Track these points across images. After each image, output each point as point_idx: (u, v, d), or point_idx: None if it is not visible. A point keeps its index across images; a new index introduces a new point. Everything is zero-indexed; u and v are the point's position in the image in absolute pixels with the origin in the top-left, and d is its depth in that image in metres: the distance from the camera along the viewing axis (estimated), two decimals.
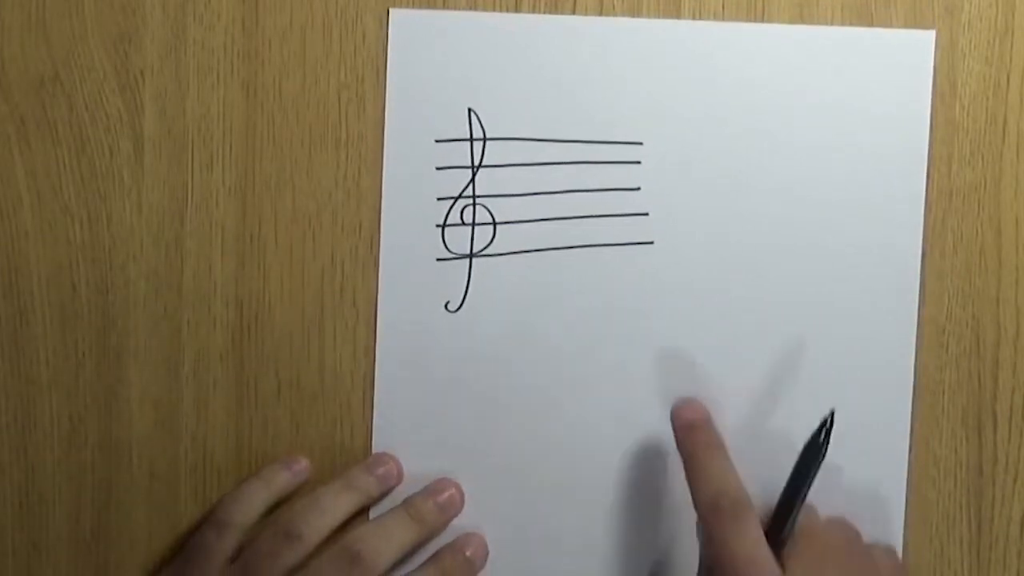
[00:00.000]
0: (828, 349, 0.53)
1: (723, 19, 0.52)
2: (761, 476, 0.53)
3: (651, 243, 0.53)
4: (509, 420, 0.53)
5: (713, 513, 0.47)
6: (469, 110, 0.52)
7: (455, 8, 0.52)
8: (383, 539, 0.51)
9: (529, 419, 0.53)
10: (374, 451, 0.53)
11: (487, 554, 0.53)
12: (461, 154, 0.52)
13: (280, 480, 0.53)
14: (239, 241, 0.53)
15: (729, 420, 0.53)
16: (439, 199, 0.53)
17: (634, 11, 0.52)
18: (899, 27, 0.52)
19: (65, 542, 0.54)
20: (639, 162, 0.53)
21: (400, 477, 0.53)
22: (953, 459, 0.53)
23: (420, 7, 0.52)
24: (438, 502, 0.52)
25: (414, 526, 0.52)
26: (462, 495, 0.53)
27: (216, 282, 0.53)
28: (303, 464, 0.53)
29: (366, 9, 0.53)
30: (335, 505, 0.52)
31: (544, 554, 0.53)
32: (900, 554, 0.53)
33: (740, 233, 0.52)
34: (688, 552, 0.53)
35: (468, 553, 0.52)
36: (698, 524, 0.49)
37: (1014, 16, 0.52)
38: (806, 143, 0.52)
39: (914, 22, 0.52)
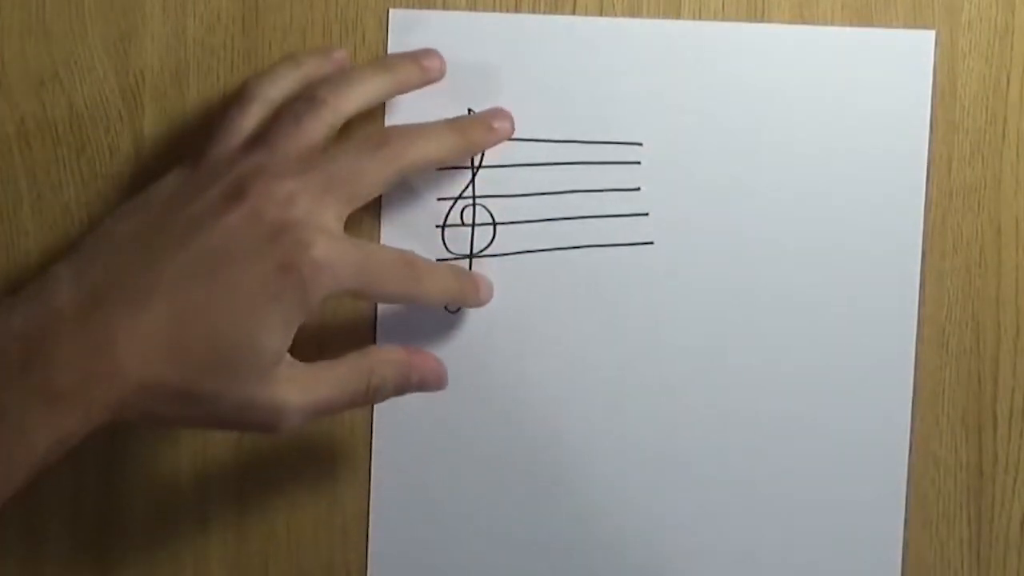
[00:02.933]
0: (828, 349, 0.53)
1: (723, 19, 0.52)
2: (761, 476, 0.53)
3: (651, 243, 0.53)
4: (509, 420, 0.53)
5: None
6: (469, 110, 0.52)
7: (455, 8, 0.52)
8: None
9: (529, 418, 0.53)
10: (374, 453, 0.53)
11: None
12: None
13: (313, 62, 0.50)
14: None
15: (728, 419, 0.53)
16: (439, 199, 0.53)
17: (634, 11, 0.52)
18: (899, 27, 0.52)
19: (65, 542, 0.54)
20: (639, 162, 0.53)
21: (443, 73, 0.51)
22: (953, 459, 0.53)
23: (420, 7, 0.52)
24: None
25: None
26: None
27: None
28: (341, 53, 0.51)
29: (366, 9, 0.53)
30: (368, 81, 0.49)
31: (542, 552, 0.53)
32: (900, 554, 0.53)
33: (740, 233, 0.52)
34: (690, 552, 0.53)
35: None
36: None
37: (1014, 16, 0.52)
38: (806, 143, 0.52)
39: (914, 22, 0.52)
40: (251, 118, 0.48)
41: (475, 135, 0.50)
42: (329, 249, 0.44)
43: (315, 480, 0.54)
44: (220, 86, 0.53)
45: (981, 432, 0.53)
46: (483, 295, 0.52)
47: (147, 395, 0.43)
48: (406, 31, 0.52)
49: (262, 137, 0.47)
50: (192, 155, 0.49)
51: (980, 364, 0.53)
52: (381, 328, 0.53)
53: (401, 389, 0.49)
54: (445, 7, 0.52)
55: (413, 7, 0.52)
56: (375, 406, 0.53)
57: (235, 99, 0.49)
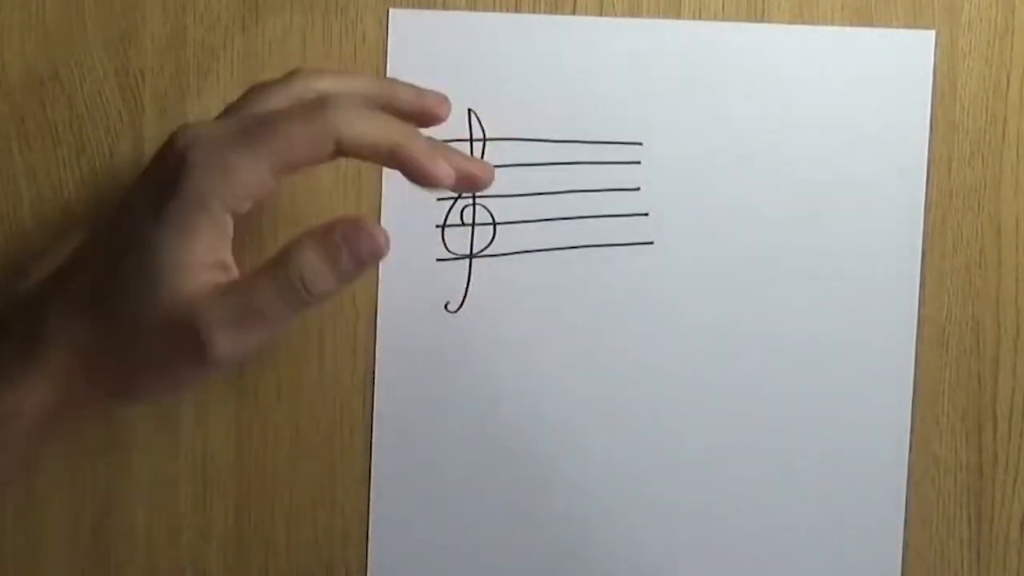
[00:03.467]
0: (828, 349, 0.53)
1: (723, 19, 0.52)
2: (760, 476, 0.53)
3: (651, 243, 0.53)
4: (509, 419, 0.53)
5: None
6: (469, 110, 0.52)
7: (455, 8, 0.52)
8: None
9: (528, 418, 0.53)
10: (374, 453, 0.53)
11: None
12: None
13: (321, 79, 0.48)
14: (238, 241, 0.53)
15: (728, 419, 0.53)
16: (439, 199, 0.53)
17: (634, 11, 0.52)
18: (899, 27, 0.52)
19: (65, 542, 0.54)
20: (639, 162, 0.53)
21: (442, 111, 0.49)
22: (953, 459, 0.53)
23: (420, 7, 0.52)
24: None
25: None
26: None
27: None
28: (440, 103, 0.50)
29: (366, 9, 0.53)
30: (355, 77, 0.48)
31: (542, 552, 0.53)
32: (900, 554, 0.53)
33: (740, 233, 0.52)
34: (690, 552, 0.53)
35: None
36: None
37: (1014, 16, 0.52)
38: (806, 143, 0.52)
39: (914, 22, 0.52)
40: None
41: (419, 152, 0.44)
42: (202, 133, 0.43)
43: (315, 481, 0.54)
44: (220, 86, 0.53)
45: (981, 432, 0.53)
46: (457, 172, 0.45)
47: (81, 357, 0.44)
48: (406, 31, 0.52)
49: (229, 110, 0.47)
50: None
51: (980, 364, 0.53)
52: (381, 329, 0.53)
53: (339, 272, 0.43)
54: (445, 7, 0.52)
55: (413, 7, 0.52)
56: (375, 408, 0.53)
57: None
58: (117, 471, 0.53)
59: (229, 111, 0.47)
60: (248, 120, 0.44)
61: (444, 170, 0.44)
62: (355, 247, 0.43)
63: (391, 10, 0.52)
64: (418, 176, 0.44)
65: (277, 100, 0.46)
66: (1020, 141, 0.52)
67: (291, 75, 0.47)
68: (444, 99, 0.50)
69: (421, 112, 0.49)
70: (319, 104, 0.43)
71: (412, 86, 0.50)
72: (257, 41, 0.53)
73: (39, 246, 0.53)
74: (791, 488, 0.53)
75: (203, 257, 0.43)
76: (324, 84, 0.47)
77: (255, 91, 0.47)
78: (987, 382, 0.53)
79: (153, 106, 0.53)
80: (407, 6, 0.52)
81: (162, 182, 0.43)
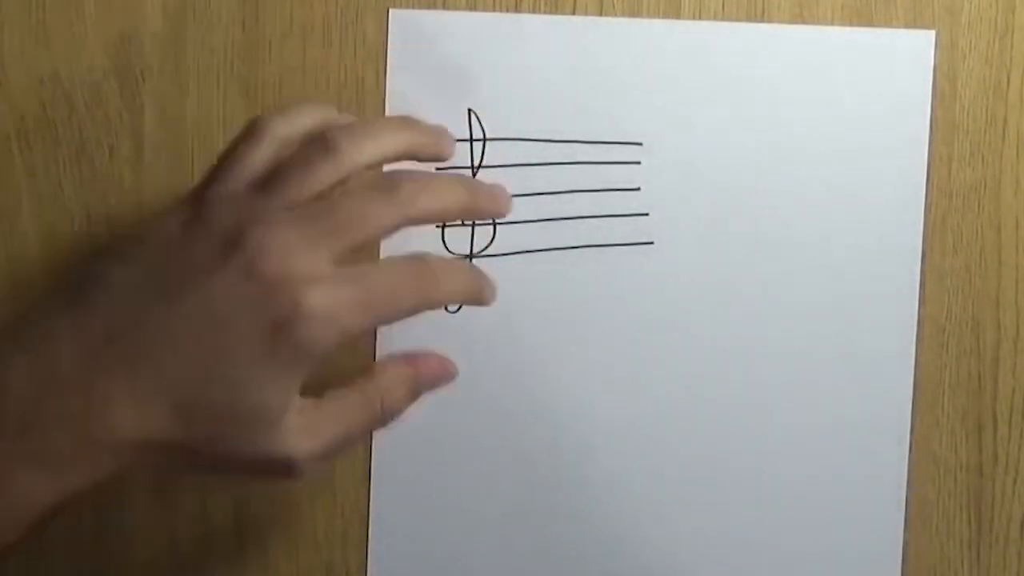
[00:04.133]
0: (828, 349, 0.53)
1: (723, 19, 0.52)
2: (760, 476, 0.53)
3: (651, 243, 0.53)
4: (509, 419, 0.53)
5: None
6: (469, 110, 0.52)
7: (455, 8, 0.52)
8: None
9: (528, 418, 0.53)
10: (374, 453, 0.53)
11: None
12: (461, 154, 0.52)
13: (327, 109, 0.48)
14: None
15: (728, 420, 0.53)
16: None
17: (634, 11, 0.52)
18: (899, 27, 0.52)
19: (65, 542, 0.54)
20: (639, 162, 0.53)
21: (451, 156, 0.49)
22: (953, 459, 0.53)
23: (420, 7, 0.52)
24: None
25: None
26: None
27: None
28: (349, 117, 0.49)
29: (366, 9, 0.53)
30: (387, 136, 0.47)
31: (542, 552, 0.53)
32: (900, 554, 0.53)
33: (740, 233, 0.52)
34: (691, 552, 0.53)
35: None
36: None
37: (1014, 16, 0.52)
38: (806, 143, 0.52)
39: (914, 22, 0.52)
40: (260, 157, 0.46)
41: (481, 201, 0.48)
42: (323, 300, 0.42)
43: (315, 481, 0.54)
44: (220, 86, 0.53)
45: (981, 432, 0.53)
46: (492, 292, 0.49)
47: (153, 454, 0.42)
48: (406, 31, 0.52)
49: (270, 180, 0.45)
50: (193, 191, 0.46)
51: (980, 364, 0.53)
52: (381, 329, 0.53)
53: (414, 400, 0.48)
54: (445, 7, 0.52)
55: (413, 7, 0.52)
56: None
57: (243, 135, 0.46)
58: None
59: (244, 165, 0.45)
60: (331, 225, 0.44)
61: (506, 203, 0.49)
62: (433, 386, 0.48)
63: (391, 10, 0.52)
64: (487, 216, 0.52)
65: (316, 179, 0.45)
66: (1020, 141, 0.52)
67: (323, 142, 0.46)
68: (450, 141, 0.50)
69: (437, 159, 0.50)
70: (394, 187, 0.45)
71: (430, 133, 0.49)
72: (257, 41, 0.53)
73: (39, 246, 0.53)
74: (791, 488, 0.53)
75: (298, 394, 0.44)
76: (356, 149, 0.46)
77: (284, 165, 0.45)
78: (987, 382, 0.53)
79: (153, 106, 0.53)
80: (407, 6, 0.52)
81: (269, 314, 0.42)
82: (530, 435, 0.53)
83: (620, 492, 0.53)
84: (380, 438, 0.53)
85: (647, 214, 0.53)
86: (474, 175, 0.52)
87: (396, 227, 0.45)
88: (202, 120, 0.53)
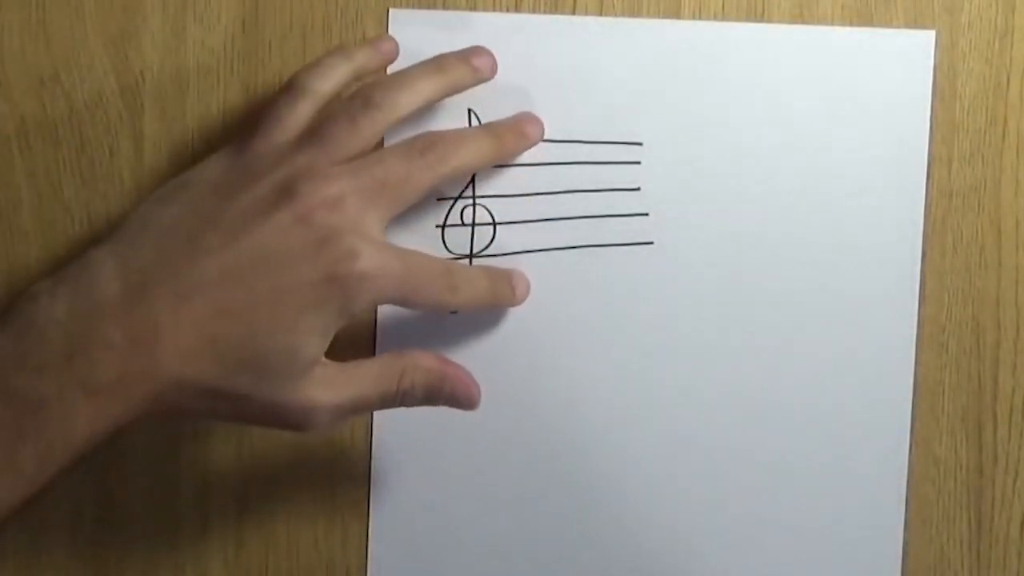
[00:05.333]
0: (828, 349, 0.53)
1: (723, 19, 0.52)
2: (760, 476, 0.53)
3: (651, 243, 0.53)
4: (508, 419, 0.53)
5: None
6: (469, 110, 0.52)
7: (455, 8, 0.52)
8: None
9: (528, 418, 0.53)
10: (374, 452, 0.53)
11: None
12: None
13: (363, 55, 0.50)
14: None
15: (728, 420, 0.53)
16: (439, 199, 0.53)
17: (634, 11, 0.52)
18: (899, 27, 0.52)
19: (65, 542, 0.54)
20: (639, 162, 0.53)
21: (495, 71, 0.51)
22: (953, 459, 0.53)
23: (420, 7, 0.52)
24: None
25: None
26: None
27: None
28: (390, 44, 0.51)
29: (366, 9, 0.53)
30: (421, 83, 0.48)
31: (542, 551, 0.53)
32: (900, 554, 0.53)
33: (740, 233, 0.52)
34: (690, 552, 0.53)
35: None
36: None
37: (1014, 16, 0.52)
38: (806, 143, 0.52)
39: (914, 22, 0.52)
40: (301, 112, 0.47)
41: (509, 141, 0.51)
42: (374, 260, 0.45)
43: (315, 480, 0.54)
44: (220, 86, 0.53)
45: (981, 432, 0.53)
46: (520, 294, 0.52)
47: (182, 390, 0.44)
48: (406, 31, 0.52)
49: (315, 134, 0.47)
50: (236, 143, 0.48)
51: (980, 364, 0.53)
52: (381, 327, 0.53)
53: (430, 398, 0.49)
54: (445, 7, 0.52)
55: (413, 7, 0.52)
56: (374, 412, 0.53)
57: (284, 91, 0.48)
58: (117, 471, 0.53)
59: (306, 136, 0.47)
60: (378, 181, 0.46)
61: (533, 131, 0.52)
62: (452, 396, 0.49)
63: (391, 10, 0.52)
64: (520, 152, 0.52)
65: (360, 135, 0.47)
66: (1020, 141, 0.52)
67: (362, 97, 0.47)
68: (486, 55, 0.51)
69: (479, 83, 0.51)
70: (430, 146, 0.47)
71: (461, 62, 0.50)
72: (257, 41, 0.53)
73: (39, 246, 0.53)
74: (791, 488, 0.53)
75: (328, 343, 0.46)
76: (395, 102, 0.48)
77: (339, 122, 0.47)
78: (987, 382, 0.53)
79: (153, 106, 0.53)
80: (407, 6, 0.52)
81: (324, 262, 0.44)
82: (530, 435, 0.53)
83: (619, 493, 0.53)
84: (380, 438, 0.53)
85: (647, 214, 0.53)
86: (474, 175, 0.52)
87: (433, 186, 0.48)
88: (202, 120, 0.53)
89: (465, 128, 0.51)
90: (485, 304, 0.51)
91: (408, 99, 0.48)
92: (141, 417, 0.44)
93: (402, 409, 0.53)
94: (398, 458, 0.53)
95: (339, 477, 0.54)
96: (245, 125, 0.48)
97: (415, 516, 0.53)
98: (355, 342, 0.53)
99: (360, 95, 0.48)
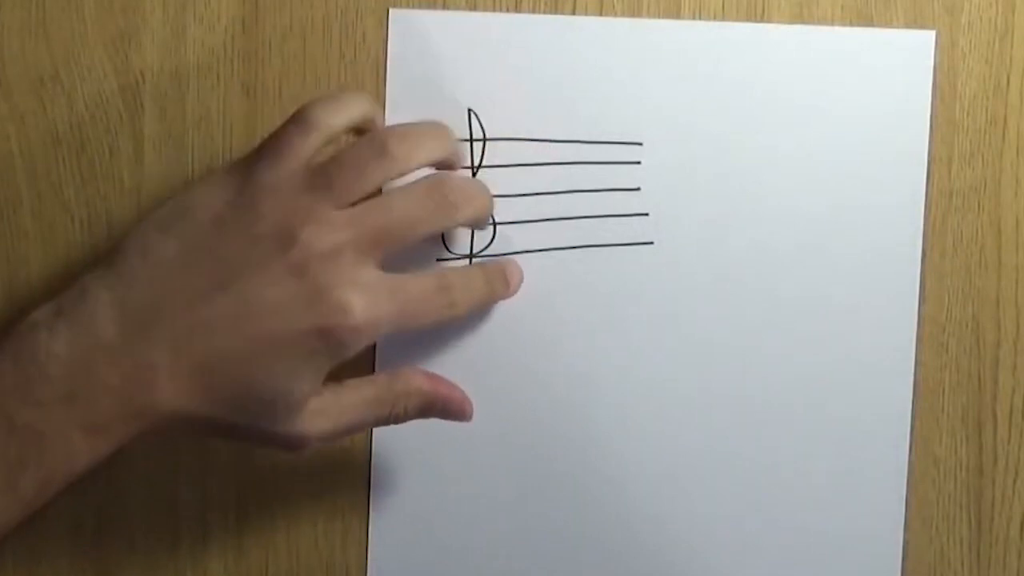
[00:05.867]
0: (828, 349, 0.53)
1: (723, 19, 0.52)
2: (760, 476, 0.53)
3: (651, 243, 0.53)
4: (508, 420, 0.53)
5: None
6: (469, 110, 0.52)
7: (455, 8, 0.52)
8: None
9: (528, 418, 0.53)
10: (374, 453, 0.53)
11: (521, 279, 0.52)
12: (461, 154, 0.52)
13: (368, 100, 0.49)
14: None
15: (728, 421, 0.53)
16: None
17: (634, 11, 0.52)
18: (899, 27, 0.52)
19: (65, 542, 0.54)
20: (639, 162, 0.53)
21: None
22: (953, 459, 0.53)
23: (420, 7, 0.52)
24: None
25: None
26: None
27: None
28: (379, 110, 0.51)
29: (366, 9, 0.53)
30: (429, 141, 0.48)
31: (542, 551, 0.53)
32: (900, 554, 0.53)
33: (740, 233, 0.52)
34: (690, 552, 0.53)
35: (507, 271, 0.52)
36: None
37: (1014, 16, 0.52)
38: (806, 143, 0.52)
39: (914, 22, 0.52)
40: (310, 146, 0.47)
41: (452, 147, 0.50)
42: (366, 314, 0.45)
43: (315, 481, 0.54)
44: (220, 86, 0.53)
45: (981, 432, 0.53)
46: (514, 285, 0.52)
47: (177, 424, 0.45)
48: (406, 31, 0.52)
49: (322, 175, 0.46)
50: (242, 169, 0.47)
51: (980, 364, 0.53)
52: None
53: (423, 415, 0.50)
54: (445, 7, 0.52)
55: (413, 7, 0.52)
56: None
57: (294, 121, 0.47)
58: (117, 471, 0.53)
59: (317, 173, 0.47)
60: (380, 229, 0.46)
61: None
62: (445, 413, 0.50)
63: (391, 10, 0.52)
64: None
65: (368, 181, 0.47)
66: (1020, 141, 0.52)
67: (377, 145, 0.47)
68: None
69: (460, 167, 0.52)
70: (441, 192, 0.47)
71: (452, 139, 0.51)
72: (257, 41, 0.53)
73: (39, 246, 0.53)
74: (791, 488, 0.53)
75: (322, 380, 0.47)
76: (409, 155, 0.48)
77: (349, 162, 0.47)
78: (987, 382, 0.53)
79: (153, 106, 0.53)
80: (407, 6, 0.52)
81: (316, 317, 0.45)
82: (530, 435, 0.53)
83: (618, 493, 0.53)
84: (380, 438, 0.53)
85: (647, 214, 0.53)
86: (474, 175, 0.53)
87: (441, 231, 0.50)
88: (202, 120, 0.53)
89: (469, 178, 0.52)
90: (483, 305, 0.51)
91: (422, 156, 0.48)
92: (137, 442, 0.46)
93: None
94: (398, 459, 0.53)
95: (339, 477, 0.54)
96: (252, 151, 0.47)
97: (415, 516, 0.53)
98: None
99: (376, 142, 0.47)
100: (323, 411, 0.47)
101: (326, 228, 0.45)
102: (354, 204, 0.46)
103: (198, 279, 0.45)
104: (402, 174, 0.47)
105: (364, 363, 0.52)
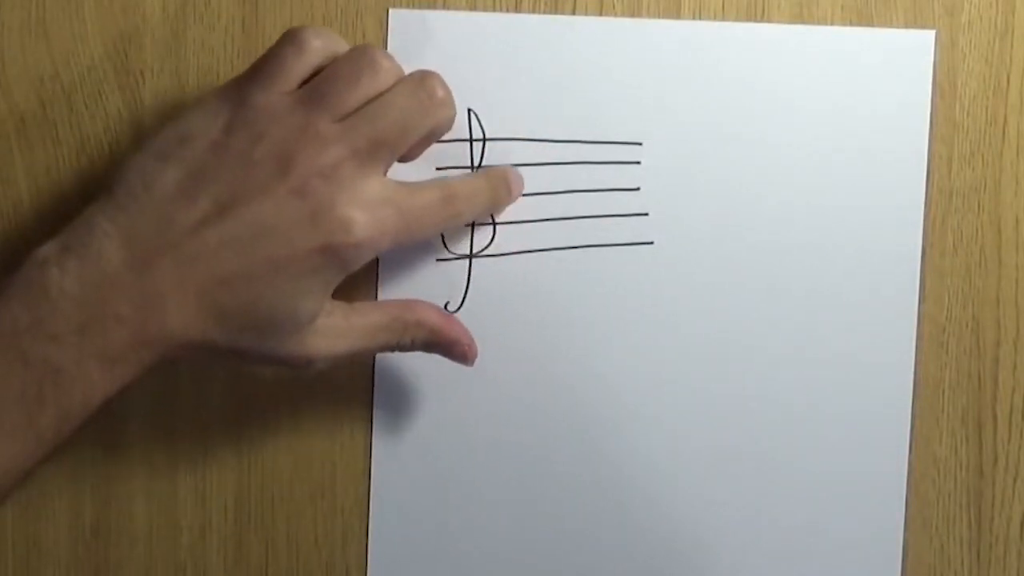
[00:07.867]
0: (828, 349, 0.53)
1: (723, 19, 0.52)
2: (760, 476, 0.53)
3: (651, 243, 0.53)
4: (508, 419, 0.53)
5: None
6: (469, 110, 0.52)
7: (455, 8, 0.52)
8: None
9: (528, 418, 0.53)
10: (374, 452, 0.53)
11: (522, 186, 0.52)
12: (461, 155, 0.52)
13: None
14: None
15: (728, 420, 0.53)
16: None
17: (634, 11, 0.52)
18: (899, 27, 0.52)
19: (65, 542, 0.54)
20: (639, 162, 0.53)
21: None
22: (953, 459, 0.53)
23: (420, 7, 0.52)
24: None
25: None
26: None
27: None
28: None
29: (366, 9, 0.53)
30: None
31: (542, 551, 0.53)
32: (900, 554, 0.53)
33: (740, 233, 0.52)
34: (690, 552, 0.53)
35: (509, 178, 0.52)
36: None
37: (1014, 16, 0.52)
38: (806, 143, 0.52)
39: (914, 22, 0.52)
40: (304, 66, 0.47)
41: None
42: (369, 229, 0.46)
43: (315, 480, 0.54)
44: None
45: (981, 432, 0.53)
46: (515, 192, 0.52)
47: (188, 350, 0.46)
48: (406, 31, 0.52)
49: (315, 91, 0.47)
50: (236, 92, 0.47)
51: (980, 364, 0.53)
52: (383, 269, 0.53)
53: (427, 350, 0.50)
54: (445, 7, 0.52)
55: (413, 7, 0.52)
56: (374, 412, 0.53)
57: (286, 43, 0.47)
58: (117, 471, 0.53)
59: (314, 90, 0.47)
60: (377, 137, 0.46)
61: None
62: (449, 351, 0.51)
63: (391, 10, 0.52)
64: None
65: (362, 92, 0.47)
66: (1020, 141, 0.52)
67: (368, 57, 0.47)
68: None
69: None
70: (431, 90, 0.48)
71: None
72: (257, 41, 0.53)
73: (39, 246, 0.53)
74: (791, 488, 0.53)
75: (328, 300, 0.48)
76: (400, 71, 0.48)
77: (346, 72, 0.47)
78: (987, 382, 0.53)
79: (153, 106, 0.53)
80: (407, 6, 0.52)
81: (319, 235, 0.45)
82: (530, 435, 0.53)
83: (619, 492, 0.53)
84: (381, 437, 0.53)
85: (647, 214, 0.53)
86: None
87: (431, 132, 0.48)
88: None
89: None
90: (487, 212, 0.52)
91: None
92: (148, 373, 0.46)
93: (403, 412, 0.53)
94: (398, 458, 0.53)
95: (339, 476, 0.54)
96: (246, 71, 0.48)
97: (415, 516, 0.53)
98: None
99: (365, 54, 0.47)
100: (331, 331, 0.48)
101: (323, 145, 0.46)
102: (347, 118, 0.46)
103: (200, 206, 0.45)
104: (391, 80, 0.47)
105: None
